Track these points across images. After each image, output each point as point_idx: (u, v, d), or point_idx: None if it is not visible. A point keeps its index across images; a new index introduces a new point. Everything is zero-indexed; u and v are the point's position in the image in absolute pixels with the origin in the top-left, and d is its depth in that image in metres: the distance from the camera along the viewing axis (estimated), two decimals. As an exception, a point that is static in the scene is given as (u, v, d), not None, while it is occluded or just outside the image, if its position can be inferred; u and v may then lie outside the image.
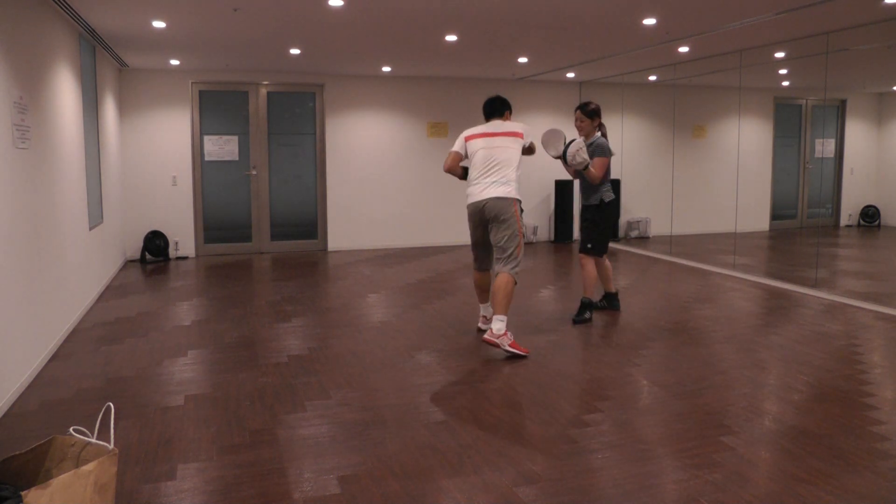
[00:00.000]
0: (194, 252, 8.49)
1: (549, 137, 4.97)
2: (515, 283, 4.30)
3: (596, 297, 5.34)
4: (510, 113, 4.63)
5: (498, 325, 4.20)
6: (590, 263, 5.11)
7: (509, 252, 4.29)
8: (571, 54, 7.18)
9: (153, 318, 5.31)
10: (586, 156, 4.86)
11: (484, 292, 4.69)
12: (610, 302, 5.42)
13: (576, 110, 5.12)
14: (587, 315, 5.10)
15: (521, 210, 4.38)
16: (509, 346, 4.18)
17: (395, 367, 4.06)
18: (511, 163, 4.37)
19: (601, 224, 5.11)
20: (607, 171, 5.05)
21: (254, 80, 8.50)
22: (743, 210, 8.00)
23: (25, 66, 4.03)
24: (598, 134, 5.09)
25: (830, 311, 5.40)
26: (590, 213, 5.13)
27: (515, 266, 4.29)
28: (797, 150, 9.98)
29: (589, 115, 5.05)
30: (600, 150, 5.00)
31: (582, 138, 4.99)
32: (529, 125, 4.70)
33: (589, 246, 5.12)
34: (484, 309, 4.76)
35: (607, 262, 5.33)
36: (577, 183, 9.66)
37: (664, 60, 7.68)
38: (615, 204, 5.14)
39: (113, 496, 2.17)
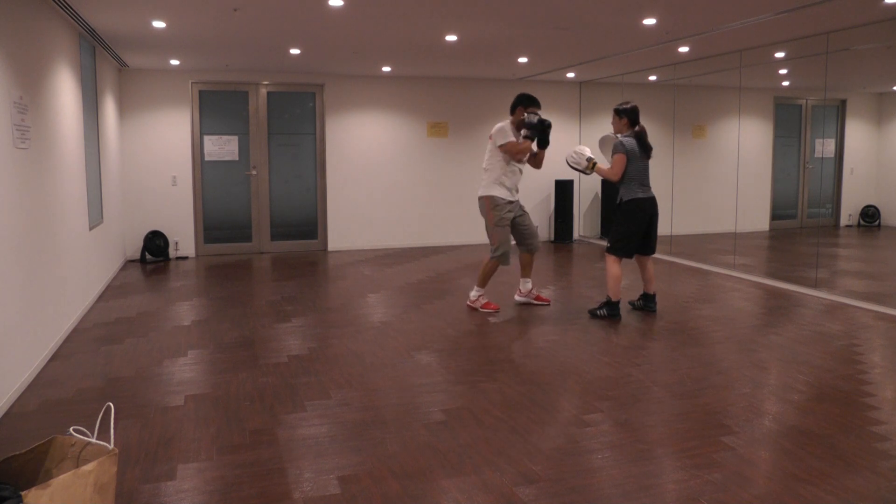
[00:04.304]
0: (194, 252, 8.49)
1: (602, 143, 5.42)
2: (495, 263, 5.30)
3: (623, 296, 5.40)
4: (515, 113, 5.34)
5: (472, 293, 5.51)
6: (611, 263, 5.13)
7: (490, 241, 5.36)
8: (571, 54, 7.18)
9: (153, 318, 5.31)
10: (588, 154, 5.19)
11: (523, 268, 5.55)
12: (645, 302, 5.35)
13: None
14: (600, 312, 5.15)
15: (495, 205, 5.25)
16: (481, 307, 5.42)
17: (395, 367, 4.06)
18: (486, 162, 5.35)
19: (618, 223, 5.15)
20: (638, 169, 5.02)
21: (254, 80, 8.50)
22: (743, 210, 8.00)
23: (25, 66, 4.03)
24: (630, 132, 5.09)
25: (830, 311, 5.40)
26: (614, 213, 5.21)
27: (494, 251, 5.28)
28: (797, 150, 9.98)
29: (617, 114, 5.15)
30: (615, 148, 5.06)
31: (579, 150, 5.26)
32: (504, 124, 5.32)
33: (608, 246, 5.19)
34: (521, 283, 5.65)
35: (649, 264, 5.27)
36: (576, 182, 9.68)
37: (664, 60, 7.68)
38: (636, 203, 5.05)
39: (113, 496, 2.17)
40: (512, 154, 5.19)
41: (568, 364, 4.10)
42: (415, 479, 2.64)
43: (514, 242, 5.42)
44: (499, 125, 5.27)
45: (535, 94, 5.54)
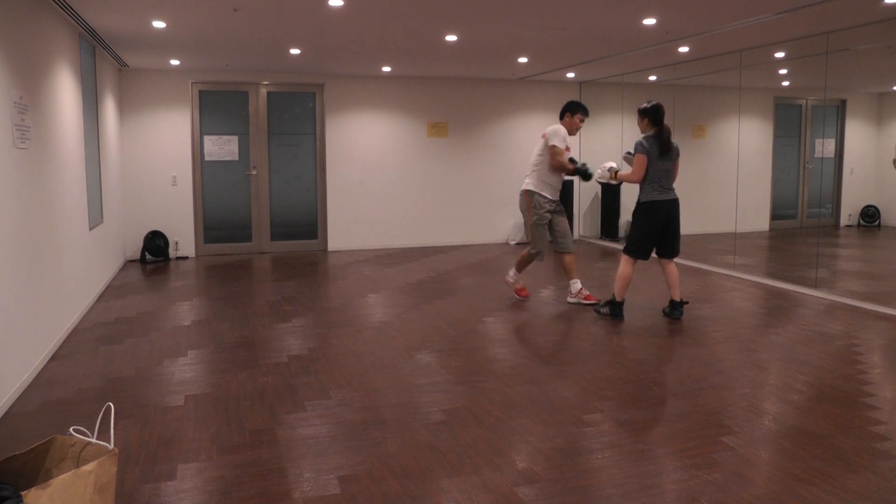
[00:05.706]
0: (194, 252, 8.49)
1: None
2: (531, 256, 5.65)
3: (626, 297, 5.35)
4: (564, 118, 5.57)
5: (511, 272, 5.88)
6: (624, 263, 5.08)
7: (526, 236, 5.76)
8: (571, 54, 7.18)
9: (153, 318, 5.31)
10: (608, 166, 5.30)
11: (566, 270, 5.72)
12: (671, 309, 5.15)
13: None
14: (603, 310, 5.18)
15: (536, 203, 5.48)
16: (515, 291, 5.84)
17: (395, 367, 4.06)
18: (535, 158, 5.53)
19: (634, 224, 5.08)
20: (657, 170, 4.91)
21: (254, 80, 8.50)
22: (743, 210, 8.00)
23: (25, 66, 4.03)
24: (652, 132, 4.99)
25: (830, 311, 5.40)
26: (633, 214, 5.16)
27: (531, 248, 5.63)
28: (797, 150, 9.97)
29: (639, 114, 5.09)
30: (634, 148, 4.99)
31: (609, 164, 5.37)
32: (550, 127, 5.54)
33: (624, 246, 5.16)
34: (570, 285, 5.77)
35: (670, 268, 5.11)
36: (576, 182, 9.67)
37: (664, 60, 7.68)
38: (652, 204, 4.94)
39: (113, 496, 2.17)
40: (550, 157, 5.40)
41: (568, 364, 4.10)
42: (415, 479, 2.64)
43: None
44: (555, 126, 5.47)
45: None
